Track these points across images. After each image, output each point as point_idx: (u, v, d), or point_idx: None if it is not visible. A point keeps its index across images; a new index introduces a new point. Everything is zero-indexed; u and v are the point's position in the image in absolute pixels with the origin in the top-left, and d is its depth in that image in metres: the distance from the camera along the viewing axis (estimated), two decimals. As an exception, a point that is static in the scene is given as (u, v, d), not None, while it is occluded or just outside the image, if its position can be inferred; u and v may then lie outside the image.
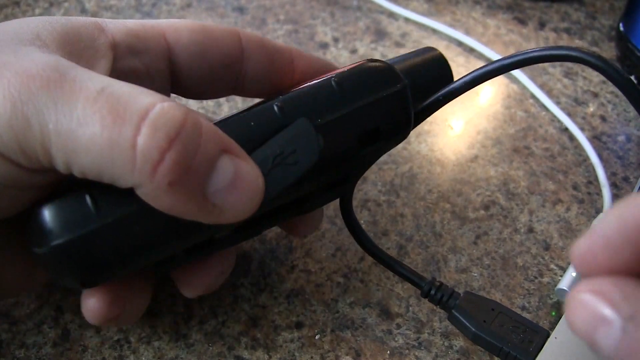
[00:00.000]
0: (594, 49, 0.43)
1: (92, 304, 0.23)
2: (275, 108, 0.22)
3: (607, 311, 0.15)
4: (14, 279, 0.24)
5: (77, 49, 0.22)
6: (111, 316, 0.23)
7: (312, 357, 0.27)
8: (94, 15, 0.44)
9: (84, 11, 0.44)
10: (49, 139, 0.19)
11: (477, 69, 0.25)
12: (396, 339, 0.27)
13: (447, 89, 0.25)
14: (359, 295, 0.29)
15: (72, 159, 0.19)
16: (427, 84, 0.26)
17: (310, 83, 0.24)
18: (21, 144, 0.19)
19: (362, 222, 0.32)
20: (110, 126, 0.18)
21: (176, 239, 0.21)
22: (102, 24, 0.24)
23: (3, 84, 0.19)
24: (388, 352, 0.27)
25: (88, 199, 0.20)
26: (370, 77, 0.24)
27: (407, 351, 0.27)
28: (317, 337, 0.27)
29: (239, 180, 0.20)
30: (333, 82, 0.23)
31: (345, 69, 0.24)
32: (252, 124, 0.22)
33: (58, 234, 0.20)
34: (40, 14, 0.44)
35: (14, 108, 0.19)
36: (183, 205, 0.19)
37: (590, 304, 0.15)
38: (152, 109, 0.19)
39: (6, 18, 0.43)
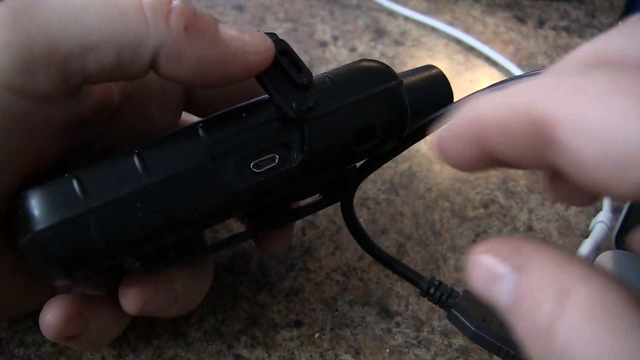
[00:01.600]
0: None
1: (48, 317, 0.22)
2: (267, 99, 0.22)
3: (499, 267, 0.16)
4: (14, 298, 0.24)
5: None
6: (67, 334, 0.22)
7: (311, 356, 0.27)
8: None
9: (83, 9, 0.44)
10: (55, 40, 0.19)
11: (492, 85, 0.25)
12: (395, 338, 0.27)
13: (457, 104, 0.25)
14: (358, 293, 0.29)
15: (86, 45, 0.19)
16: (428, 102, 0.26)
17: None
18: (23, 59, 0.19)
19: (361, 220, 0.32)
20: (113, 1, 0.19)
21: (166, 228, 0.20)
22: None
23: None
24: (387, 350, 0.27)
25: (75, 183, 0.19)
26: (364, 73, 0.24)
27: (406, 349, 0.27)
28: (316, 335, 0.27)
29: (244, 30, 0.21)
30: (327, 78, 0.23)
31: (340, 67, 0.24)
32: (244, 115, 0.22)
33: (43, 219, 0.19)
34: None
35: (9, 26, 0.18)
36: (207, 52, 0.20)
37: (485, 262, 0.16)
38: None
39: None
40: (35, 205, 0.19)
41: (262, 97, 0.22)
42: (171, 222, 0.20)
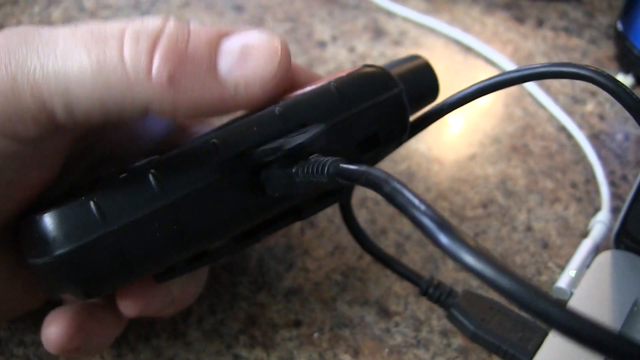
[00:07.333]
0: (592, 47, 0.44)
1: (51, 334, 0.22)
2: (277, 112, 0.22)
3: None
4: (14, 299, 0.23)
5: None
6: (70, 347, 0.22)
7: (310, 355, 0.27)
8: (93, 14, 0.44)
9: (82, 10, 0.44)
10: (39, 89, 0.18)
11: (482, 81, 0.25)
12: (394, 337, 0.27)
13: (449, 100, 0.25)
14: (357, 293, 0.29)
15: (69, 99, 0.18)
16: (414, 92, 0.26)
17: (310, 88, 0.23)
18: (12, 107, 0.18)
19: (360, 220, 0.32)
20: (94, 51, 0.18)
21: (184, 245, 0.21)
22: None
23: None
24: (386, 350, 0.27)
25: (92, 205, 0.19)
26: (368, 82, 0.24)
27: (405, 349, 0.27)
28: (315, 335, 0.27)
29: (250, 48, 0.19)
30: (332, 87, 0.23)
31: (344, 73, 0.24)
32: (255, 129, 0.22)
33: (62, 243, 0.19)
34: (39, 13, 0.44)
35: None
36: (202, 98, 0.19)
37: None
38: (131, 24, 0.19)
39: (5, 16, 0.43)
40: (52, 229, 0.19)
41: (271, 107, 0.22)
42: (189, 239, 0.21)
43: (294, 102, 0.23)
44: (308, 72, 0.28)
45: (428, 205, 0.16)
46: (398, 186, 0.17)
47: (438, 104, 0.25)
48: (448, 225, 0.15)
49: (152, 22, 0.19)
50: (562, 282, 0.28)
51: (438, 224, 0.15)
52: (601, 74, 0.22)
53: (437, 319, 0.28)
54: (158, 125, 0.25)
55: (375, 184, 0.18)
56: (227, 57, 0.19)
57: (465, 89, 0.25)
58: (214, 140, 0.21)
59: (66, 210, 0.19)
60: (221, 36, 0.19)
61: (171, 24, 0.19)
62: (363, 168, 0.18)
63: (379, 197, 0.33)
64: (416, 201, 0.16)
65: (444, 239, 0.15)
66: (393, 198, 0.17)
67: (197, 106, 0.19)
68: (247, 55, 0.19)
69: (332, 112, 0.23)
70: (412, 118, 0.26)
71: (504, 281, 0.13)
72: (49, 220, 0.19)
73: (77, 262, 0.19)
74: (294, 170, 0.21)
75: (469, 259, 0.14)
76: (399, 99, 0.24)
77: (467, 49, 0.43)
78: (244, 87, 0.19)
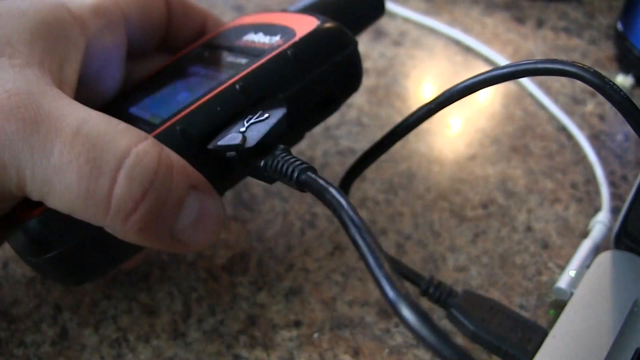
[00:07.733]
0: (592, 47, 0.44)
1: None
2: (238, 88, 0.23)
3: None
4: None
5: (50, 45, 0.22)
6: None
7: (310, 356, 0.27)
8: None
9: (82, 10, 0.44)
10: (24, 183, 0.19)
11: (467, 80, 0.25)
12: (394, 338, 0.27)
13: (441, 98, 0.25)
14: (357, 293, 0.29)
15: (46, 200, 0.19)
16: (359, 17, 0.27)
17: (267, 57, 0.24)
18: None
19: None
20: (87, 177, 0.19)
21: None
22: (69, 6, 0.24)
23: None
24: (386, 350, 0.27)
25: None
26: (324, 43, 0.24)
27: (405, 350, 0.27)
28: (315, 335, 0.27)
29: (203, 216, 0.21)
30: (290, 54, 0.23)
31: (297, 38, 0.24)
32: (219, 109, 0.22)
33: (50, 247, 0.20)
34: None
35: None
36: (149, 243, 0.21)
37: None
38: (128, 156, 0.19)
39: (4, 17, 0.43)
40: (41, 233, 0.20)
41: (231, 83, 0.23)
42: None
43: (253, 75, 0.23)
44: (216, 19, 0.30)
45: (386, 262, 0.17)
46: (365, 234, 0.17)
47: (426, 104, 0.25)
48: (398, 285, 0.16)
49: (149, 159, 0.20)
50: (562, 282, 0.28)
51: (389, 281, 0.16)
52: (587, 70, 0.22)
53: (437, 319, 0.28)
54: (108, 89, 0.27)
55: (344, 221, 0.18)
56: (186, 217, 0.21)
57: (453, 86, 0.25)
58: (178, 126, 0.22)
59: (53, 215, 0.20)
60: (191, 187, 0.21)
61: (163, 166, 0.20)
62: (336, 196, 0.18)
63: (379, 197, 0.33)
64: (378, 257, 0.17)
65: (391, 294, 0.16)
66: (355, 241, 0.17)
67: (140, 243, 0.21)
68: (198, 223, 0.21)
69: (291, 80, 0.23)
70: (405, 118, 0.26)
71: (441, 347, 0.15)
72: (37, 226, 0.20)
73: (65, 261, 0.21)
74: (261, 165, 0.21)
75: (409, 315, 0.15)
76: (354, 55, 0.24)
77: (467, 50, 0.43)
78: (184, 245, 0.22)
